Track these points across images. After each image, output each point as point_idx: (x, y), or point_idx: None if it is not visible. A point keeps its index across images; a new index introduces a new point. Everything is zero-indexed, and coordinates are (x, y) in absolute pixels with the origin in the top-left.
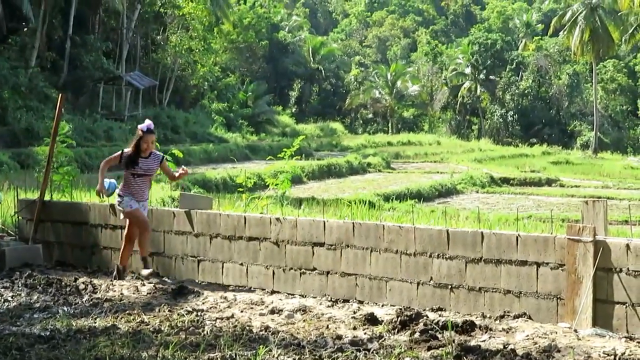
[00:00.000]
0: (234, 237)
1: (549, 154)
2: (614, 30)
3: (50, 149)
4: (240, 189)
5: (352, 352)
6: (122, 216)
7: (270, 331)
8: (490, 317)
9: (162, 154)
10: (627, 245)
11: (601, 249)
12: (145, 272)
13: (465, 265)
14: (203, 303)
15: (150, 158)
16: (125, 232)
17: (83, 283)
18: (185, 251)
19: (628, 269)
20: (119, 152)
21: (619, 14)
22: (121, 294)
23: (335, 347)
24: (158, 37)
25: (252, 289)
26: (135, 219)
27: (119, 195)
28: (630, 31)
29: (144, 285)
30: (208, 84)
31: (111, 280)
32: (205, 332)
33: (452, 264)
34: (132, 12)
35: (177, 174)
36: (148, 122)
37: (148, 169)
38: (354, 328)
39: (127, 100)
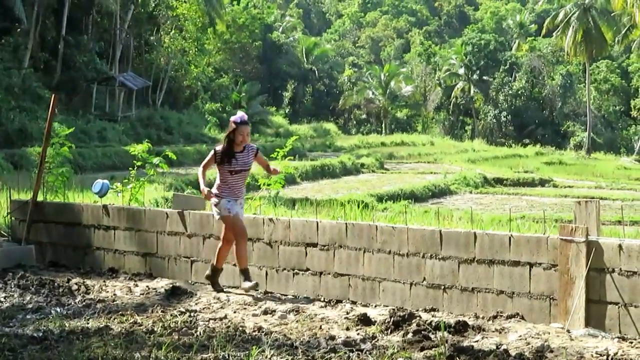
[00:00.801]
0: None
1: (542, 154)
2: (607, 31)
3: (43, 150)
4: None
5: (345, 353)
6: (217, 217)
7: (263, 332)
8: (483, 318)
9: (256, 146)
10: (620, 246)
11: (594, 249)
12: (246, 284)
13: (458, 266)
14: (196, 304)
15: (245, 151)
16: (222, 233)
17: (76, 284)
18: (179, 252)
19: (620, 269)
20: (212, 152)
21: (612, 14)
22: (114, 294)
23: (328, 347)
24: (151, 38)
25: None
26: (232, 225)
27: (216, 196)
28: (623, 32)
29: (136, 286)
30: (201, 84)
31: (207, 279)
32: (198, 333)
33: (445, 264)
34: (126, 12)
35: (272, 169)
36: (241, 114)
37: (245, 164)
38: (347, 328)
39: (120, 100)
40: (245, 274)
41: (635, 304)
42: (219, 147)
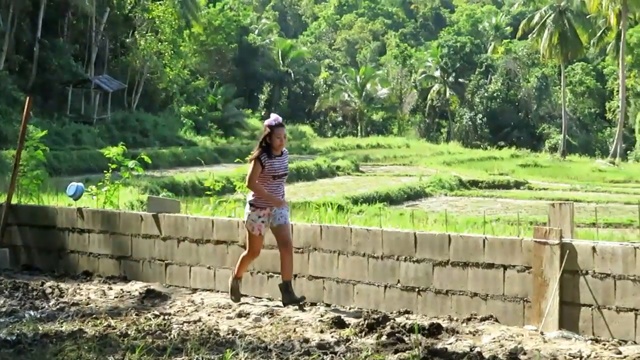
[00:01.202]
0: (201, 240)
1: (517, 156)
2: (583, 33)
3: (17, 153)
4: (209, 192)
5: (319, 356)
6: (245, 225)
7: (237, 335)
8: (457, 320)
9: (285, 149)
10: (593, 248)
11: (567, 251)
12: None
13: (433, 268)
14: (170, 307)
15: (284, 155)
16: (247, 242)
17: (50, 287)
18: (153, 254)
19: (594, 271)
20: (255, 161)
21: (587, 17)
22: (88, 298)
23: (302, 350)
24: (127, 40)
25: (219, 292)
26: (251, 241)
27: (251, 205)
28: (598, 34)
29: (111, 289)
30: (177, 87)
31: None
32: (172, 336)
33: (420, 267)
34: (101, 15)
35: None
36: (274, 116)
37: (286, 167)
38: (321, 331)
39: (96, 103)
40: (235, 282)
41: (608, 306)
42: (256, 153)
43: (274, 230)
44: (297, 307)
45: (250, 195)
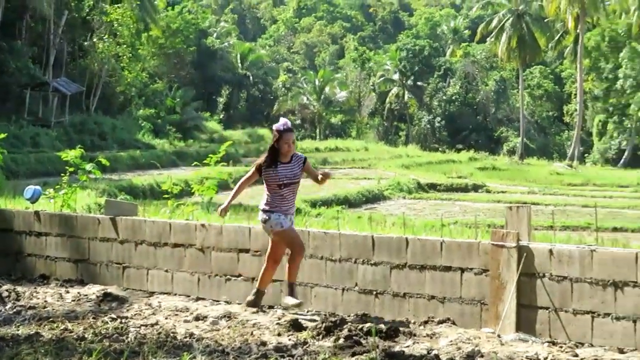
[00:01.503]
0: (159, 243)
1: (475, 159)
2: (541, 37)
3: None
4: (166, 196)
5: (277, 359)
6: (269, 235)
7: (194, 338)
8: (414, 323)
9: (303, 155)
10: (550, 251)
11: (525, 254)
12: (290, 300)
13: (390, 271)
14: (127, 310)
15: (293, 161)
16: (268, 251)
17: (6, 290)
18: (110, 258)
19: (551, 274)
20: (254, 167)
21: (545, 20)
22: (45, 301)
23: (260, 353)
24: (85, 43)
25: (177, 295)
26: (289, 239)
27: (264, 212)
28: (556, 38)
29: (68, 292)
30: (135, 90)
31: (249, 306)
32: (129, 339)
33: (377, 269)
34: (60, 17)
35: (320, 178)
36: (284, 120)
37: (294, 176)
38: (279, 334)
39: (54, 106)
40: (292, 289)
41: (565, 308)
42: (261, 159)
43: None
44: (299, 308)
45: (262, 203)
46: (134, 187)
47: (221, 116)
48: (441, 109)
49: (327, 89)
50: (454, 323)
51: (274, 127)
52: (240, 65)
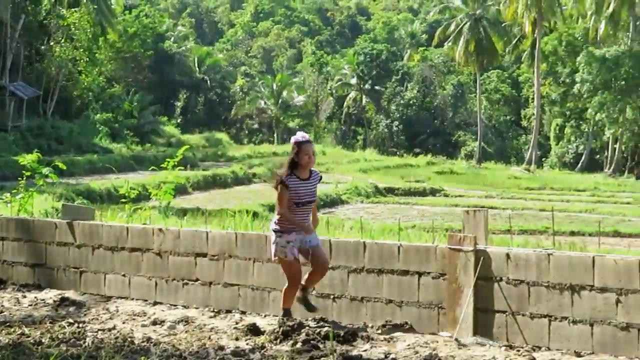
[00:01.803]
0: (116, 248)
1: (433, 164)
2: (498, 41)
3: None
4: (124, 200)
5: None
6: (273, 257)
7: (152, 342)
8: (372, 327)
9: (319, 173)
10: (507, 255)
11: (482, 258)
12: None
13: (348, 275)
14: (85, 315)
15: (312, 178)
16: (283, 272)
17: None
18: (68, 262)
19: (508, 278)
20: (280, 185)
21: (502, 25)
22: (2, 306)
23: (217, 357)
24: (42, 47)
25: (134, 299)
26: (287, 268)
27: (275, 232)
28: (513, 42)
29: (25, 297)
30: (93, 94)
31: (280, 327)
32: (86, 344)
33: (335, 274)
34: (16, 21)
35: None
36: (301, 133)
37: (313, 194)
38: (236, 339)
39: (10, 110)
40: (285, 313)
41: (522, 312)
42: (282, 172)
43: (307, 253)
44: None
45: (272, 223)
46: (91, 191)
47: (179, 120)
48: (399, 113)
49: (284, 93)
50: (411, 327)
51: (292, 139)
52: (197, 69)
